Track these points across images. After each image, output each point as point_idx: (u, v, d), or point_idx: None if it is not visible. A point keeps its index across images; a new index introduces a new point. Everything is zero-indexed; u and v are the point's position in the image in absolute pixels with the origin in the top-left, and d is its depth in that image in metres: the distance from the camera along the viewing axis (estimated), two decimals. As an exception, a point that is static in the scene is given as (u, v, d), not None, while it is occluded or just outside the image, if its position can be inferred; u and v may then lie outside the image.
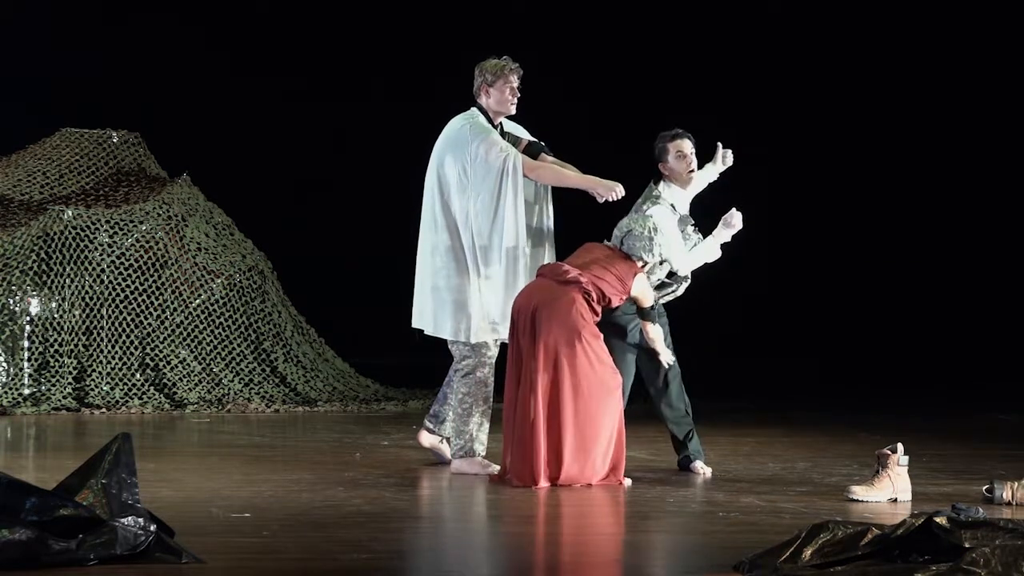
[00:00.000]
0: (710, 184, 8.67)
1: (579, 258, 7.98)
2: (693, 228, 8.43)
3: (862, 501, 7.35)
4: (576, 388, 7.70)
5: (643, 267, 8.01)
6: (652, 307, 8.05)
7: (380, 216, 14.70)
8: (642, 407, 11.62)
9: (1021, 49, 16.38)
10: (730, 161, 8.64)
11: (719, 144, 8.62)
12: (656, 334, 8.12)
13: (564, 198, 8.36)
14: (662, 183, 8.36)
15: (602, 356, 7.81)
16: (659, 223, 8.05)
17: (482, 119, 8.21)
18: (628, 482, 7.87)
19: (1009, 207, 16.80)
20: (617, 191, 8.10)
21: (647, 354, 8.51)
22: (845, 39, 16.87)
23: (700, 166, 8.56)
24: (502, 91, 8.23)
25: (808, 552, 5.25)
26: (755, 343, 16.81)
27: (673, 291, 8.41)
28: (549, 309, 7.74)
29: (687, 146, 8.37)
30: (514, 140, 8.30)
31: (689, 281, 8.46)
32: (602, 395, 7.75)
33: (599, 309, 7.86)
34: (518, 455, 7.73)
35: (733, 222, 8.36)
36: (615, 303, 7.93)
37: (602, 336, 7.88)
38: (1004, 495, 7.33)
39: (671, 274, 8.39)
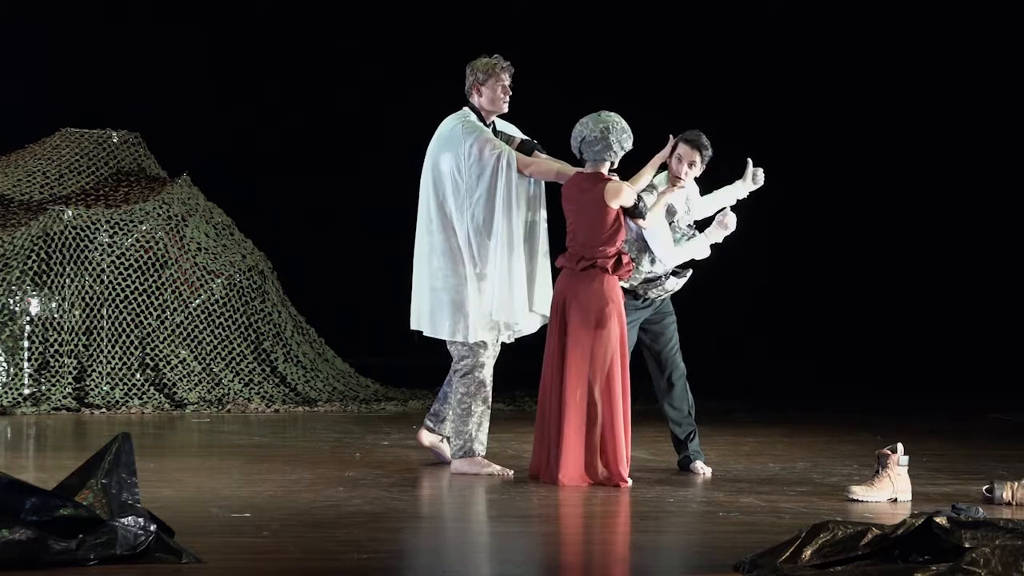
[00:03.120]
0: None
1: (572, 232, 7.92)
2: (688, 226, 8.41)
3: (862, 501, 7.35)
4: (610, 387, 7.79)
5: (612, 170, 7.97)
6: (638, 204, 7.94)
7: (380, 216, 14.71)
8: (641, 406, 11.65)
9: (1022, 50, 16.38)
10: (761, 181, 8.52)
11: (749, 161, 8.53)
12: (653, 220, 8.06)
13: (557, 196, 8.35)
14: (660, 175, 8.35)
15: (624, 351, 7.89)
16: (613, 122, 7.90)
17: (474, 118, 8.21)
18: (628, 481, 7.88)
19: (1009, 208, 16.80)
20: None
21: (652, 353, 8.51)
22: (846, 39, 16.87)
23: (730, 181, 8.55)
24: (494, 90, 8.22)
25: (808, 552, 5.24)
26: (755, 343, 16.81)
27: (660, 284, 8.36)
28: (578, 302, 7.80)
29: (688, 154, 8.31)
30: (507, 139, 8.30)
31: (686, 278, 8.43)
32: (625, 392, 7.85)
33: (624, 267, 7.88)
34: (549, 453, 7.78)
35: (727, 223, 8.33)
36: (623, 238, 7.91)
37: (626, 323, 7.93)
38: (1004, 495, 7.33)
39: (677, 272, 8.37)
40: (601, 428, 7.81)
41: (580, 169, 8.03)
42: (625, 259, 7.90)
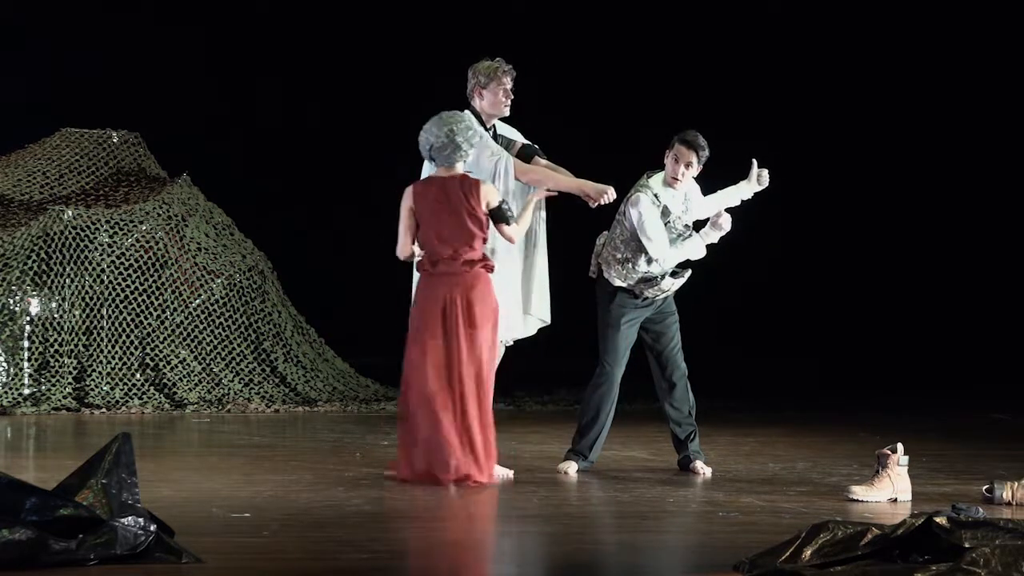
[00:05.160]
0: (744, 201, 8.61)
1: (438, 236, 7.82)
2: (685, 226, 8.39)
3: (862, 501, 7.34)
4: (488, 384, 7.84)
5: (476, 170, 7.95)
6: (503, 204, 7.86)
7: (380, 215, 14.70)
8: (641, 406, 11.65)
9: (1021, 50, 16.38)
10: (765, 182, 8.47)
11: (754, 162, 8.50)
12: (516, 231, 7.94)
13: (557, 200, 8.35)
14: (657, 174, 8.35)
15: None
16: (456, 122, 7.78)
17: (474, 122, 8.20)
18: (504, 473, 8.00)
19: (1008, 208, 16.80)
20: (608, 194, 8.09)
21: (653, 353, 8.51)
22: (845, 39, 16.87)
23: (735, 182, 8.53)
24: (495, 93, 8.21)
25: (808, 552, 5.24)
26: (755, 343, 16.81)
27: (656, 284, 8.35)
28: (471, 302, 7.80)
29: (684, 155, 8.29)
30: (507, 142, 8.29)
31: (684, 278, 8.41)
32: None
33: (491, 263, 7.91)
34: (444, 451, 7.76)
35: (721, 223, 8.32)
36: (486, 236, 7.88)
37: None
38: (1004, 495, 7.33)
39: (675, 272, 8.37)
40: (481, 424, 7.84)
41: (587, 190, 8.01)
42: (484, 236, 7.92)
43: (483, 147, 8.10)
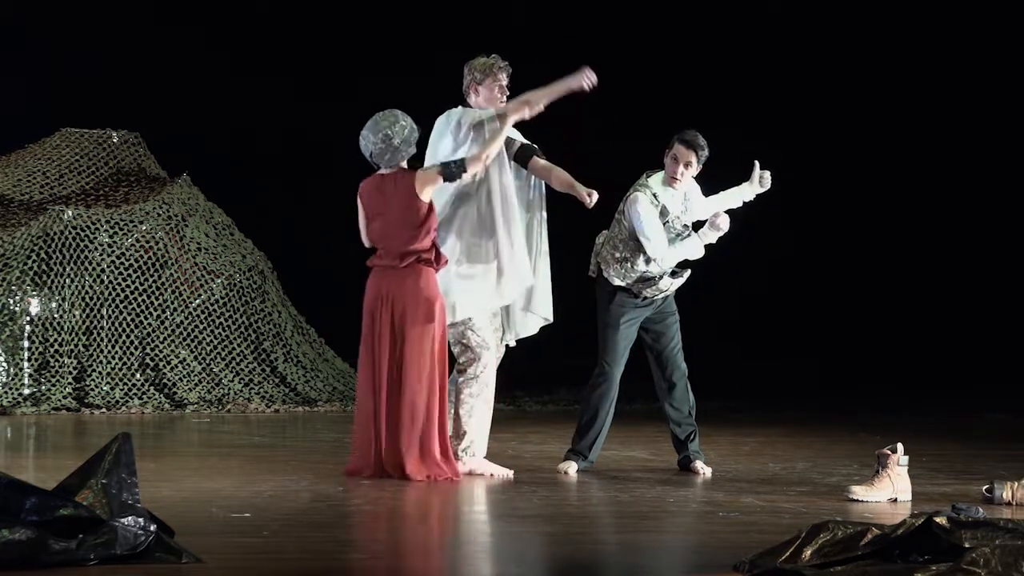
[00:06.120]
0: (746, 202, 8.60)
1: (375, 232, 7.91)
2: (684, 226, 8.39)
3: (862, 501, 7.34)
4: (442, 382, 7.85)
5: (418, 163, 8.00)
6: (441, 169, 7.84)
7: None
8: (641, 406, 11.65)
9: (1021, 50, 16.38)
10: (768, 184, 8.47)
11: (756, 163, 8.49)
12: (477, 165, 7.90)
13: (557, 201, 8.35)
14: (656, 174, 8.35)
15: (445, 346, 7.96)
16: (390, 124, 7.80)
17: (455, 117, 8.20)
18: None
19: (1008, 209, 16.80)
20: (592, 197, 8.01)
21: (653, 353, 8.51)
22: (845, 40, 16.87)
23: (737, 183, 8.53)
24: (491, 89, 8.21)
25: (808, 552, 5.24)
26: (755, 343, 16.81)
27: (654, 283, 8.35)
28: (407, 299, 7.81)
29: (683, 155, 8.29)
30: (507, 142, 8.28)
31: (683, 278, 8.41)
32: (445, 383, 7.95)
33: (442, 260, 7.89)
34: (382, 445, 7.81)
35: (719, 224, 8.32)
36: (435, 225, 7.88)
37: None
38: (1004, 495, 7.33)
39: (674, 272, 8.36)
40: (439, 422, 7.85)
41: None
42: (442, 252, 7.92)
43: (472, 117, 8.08)
